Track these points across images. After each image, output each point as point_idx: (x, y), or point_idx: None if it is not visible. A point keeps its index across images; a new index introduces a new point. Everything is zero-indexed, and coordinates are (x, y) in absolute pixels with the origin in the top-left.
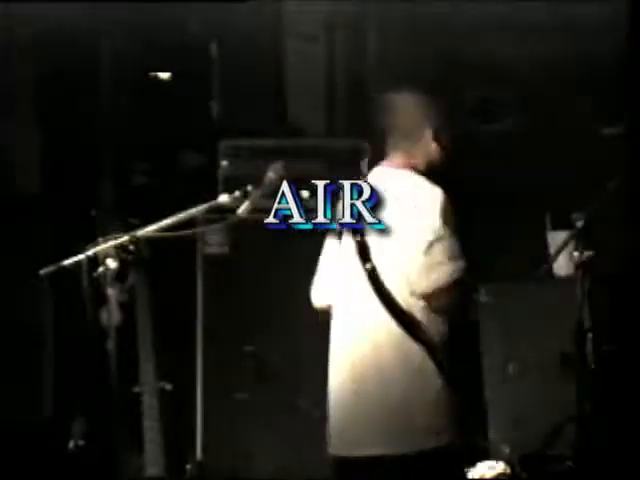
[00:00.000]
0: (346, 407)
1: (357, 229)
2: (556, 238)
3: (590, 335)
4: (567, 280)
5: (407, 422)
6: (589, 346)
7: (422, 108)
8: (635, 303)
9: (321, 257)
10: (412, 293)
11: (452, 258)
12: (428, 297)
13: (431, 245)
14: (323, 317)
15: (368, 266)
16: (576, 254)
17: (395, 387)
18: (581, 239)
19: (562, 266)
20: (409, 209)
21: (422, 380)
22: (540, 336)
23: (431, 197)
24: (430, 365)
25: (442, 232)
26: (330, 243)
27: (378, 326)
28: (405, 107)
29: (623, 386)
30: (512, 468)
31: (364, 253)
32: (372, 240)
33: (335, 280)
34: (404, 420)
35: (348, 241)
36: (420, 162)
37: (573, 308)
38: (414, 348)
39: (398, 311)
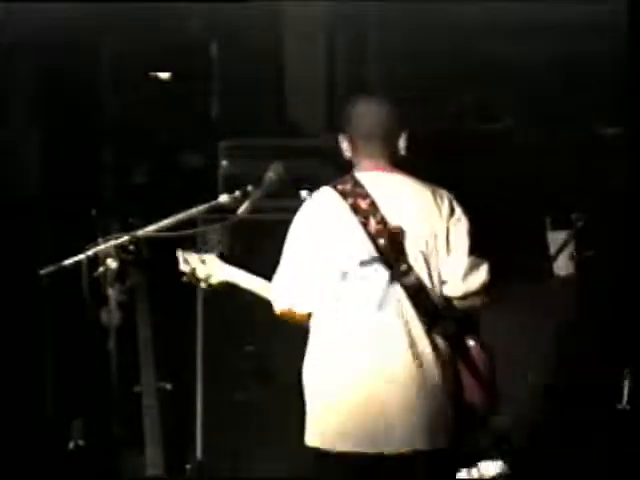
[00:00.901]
0: (346, 405)
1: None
2: (556, 238)
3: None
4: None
5: (405, 422)
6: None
7: (399, 111)
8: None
9: (290, 256)
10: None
11: (479, 257)
12: (465, 298)
13: (456, 248)
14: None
15: (403, 268)
16: (574, 253)
17: (399, 390)
18: (581, 239)
19: (562, 266)
20: (421, 213)
21: (425, 384)
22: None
23: (441, 199)
24: (435, 370)
25: (463, 230)
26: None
27: (389, 332)
28: (385, 111)
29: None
30: (512, 468)
31: (397, 257)
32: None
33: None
34: (403, 420)
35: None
36: (396, 165)
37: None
38: (424, 352)
39: (429, 315)
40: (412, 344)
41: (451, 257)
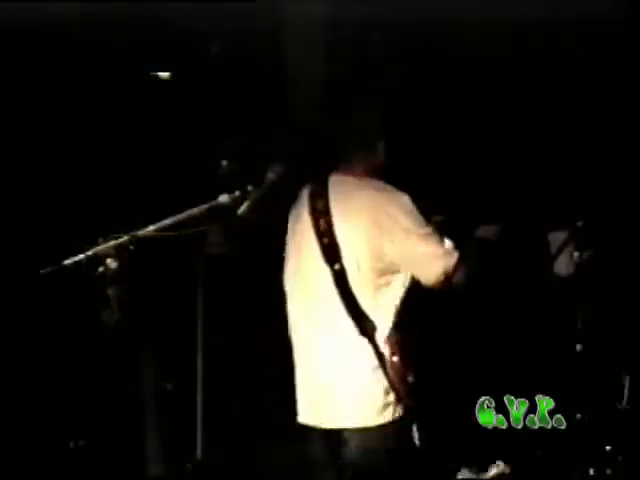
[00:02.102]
0: (315, 385)
1: (324, 233)
2: (556, 238)
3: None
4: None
5: (360, 401)
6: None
7: (380, 116)
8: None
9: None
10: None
11: (443, 250)
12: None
13: (416, 246)
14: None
15: (336, 267)
16: (576, 254)
17: (348, 372)
18: (581, 239)
19: (562, 266)
20: (379, 217)
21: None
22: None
23: (399, 202)
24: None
25: (421, 230)
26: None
27: (336, 320)
28: (365, 115)
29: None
30: (512, 468)
31: (331, 255)
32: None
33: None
34: (357, 400)
35: (311, 243)
36: (373, 170)
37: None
38: (363, 345)
39: (354, 307)
40: (342, 338)
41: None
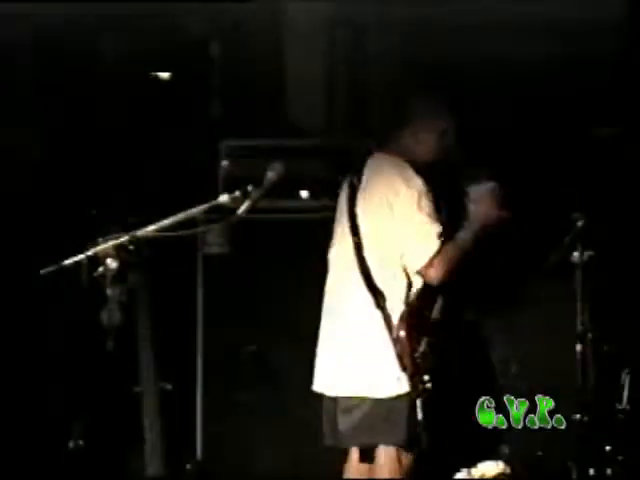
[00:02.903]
0: (328, 356)
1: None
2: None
3: (590, 335)
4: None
5: (369, 372)
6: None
7: (418, 99)
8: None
9: None
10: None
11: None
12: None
13: (410, 229)
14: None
15: (355, 239)
16: (576, 254)
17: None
18: (581, 239)
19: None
20: (388, 194)
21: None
22: (541, 336)
23: (409, 183)
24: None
25: (416, 217)
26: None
27: (355, 291)
28: (420, 108)
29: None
30: (512, 468)
31: (353, 227)
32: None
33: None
34: (366, 370)
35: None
36: (409, 151)
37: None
38: (377, 318)
39: (369, 280)
40: (357, 309)
41: (401, 242)
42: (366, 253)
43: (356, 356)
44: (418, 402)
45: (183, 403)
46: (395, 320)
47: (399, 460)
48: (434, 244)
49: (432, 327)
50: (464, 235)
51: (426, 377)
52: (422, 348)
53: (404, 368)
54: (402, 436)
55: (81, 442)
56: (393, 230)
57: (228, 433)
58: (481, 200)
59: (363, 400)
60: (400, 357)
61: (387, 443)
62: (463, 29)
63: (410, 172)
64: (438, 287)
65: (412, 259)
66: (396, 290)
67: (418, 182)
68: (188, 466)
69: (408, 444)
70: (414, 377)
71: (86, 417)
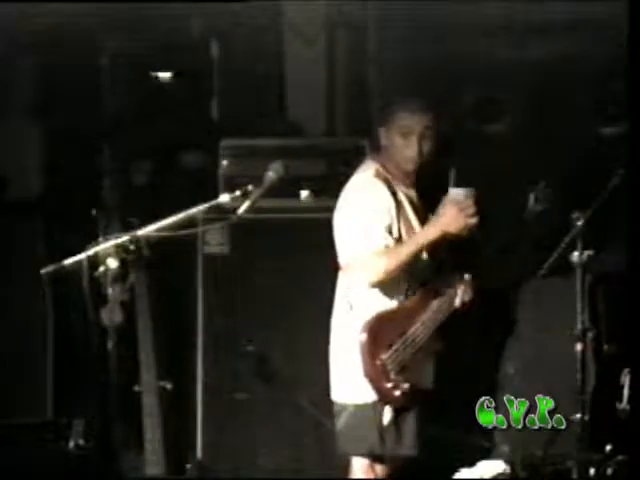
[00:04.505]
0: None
1: None
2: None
3: (590, 335)
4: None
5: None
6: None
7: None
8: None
9: None
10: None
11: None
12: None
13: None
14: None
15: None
16: (576, 254)
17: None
18: (581, 239)
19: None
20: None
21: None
22: (541, 336)
23: (359, 193)
24: None
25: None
26: None
27: (337, 297)
28: (395, 110)
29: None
30: (512, 468)
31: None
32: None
33: None
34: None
35: None
36: (398, 161)
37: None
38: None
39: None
40: (337, 315)
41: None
42: (339, 259)
43: (338, 362)
44: (385, 409)
45: (183, 403)
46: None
47: (372, 471)
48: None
49: (402, 334)
50: (415, 237)
51: (391, 384)
52: (386, 355)
53: (366, 375)
54: (367, 446)
55: (81, 442)
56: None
57: (228, 433)
58: (450, 203)
59: (344, 407)
60: (361, 361)
61: (354, 453)
62: (463, 29)
63: (365, 181)
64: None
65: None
66: (359, 297)
67: (370, 193)
68: (188, 466)
69: (375, 455)
70: (380, 384)
71: (86, 417)
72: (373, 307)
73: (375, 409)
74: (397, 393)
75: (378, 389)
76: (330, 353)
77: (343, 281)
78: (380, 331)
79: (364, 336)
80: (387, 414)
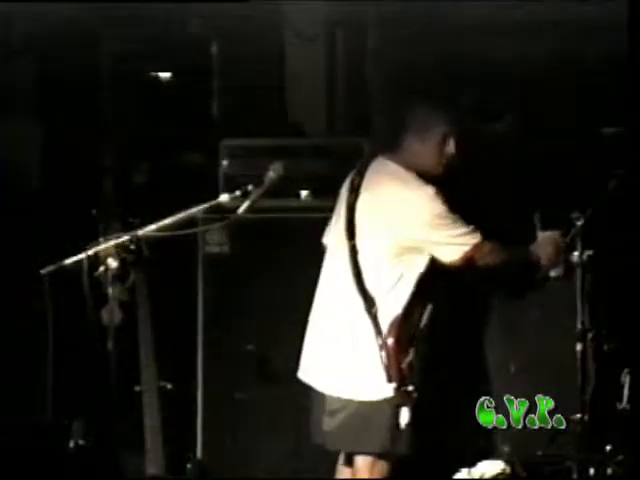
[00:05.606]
0: (319, 350)
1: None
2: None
3: (590, 335)
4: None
5: (355, 375)
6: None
7: (431, 108)
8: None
9: None
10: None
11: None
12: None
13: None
14: None
15: (352, 243)
16: (576, 254)
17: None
18: (581, 239)
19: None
20: (399, 208)
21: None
22: (541, 336)
23: (422, 195)
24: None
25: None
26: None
27: (346, 293)
28: (423, 110)
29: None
30: (512, 468)
31: (350, 231)
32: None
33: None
34: (352, 373)
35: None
36: (423, 162)
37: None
38: (366, 323)
39: (361, 285)
40: (347, 312)
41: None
42: (360, 257)
43: (343, 357)
44: (402, 410)
45: (183, 403)
46: (385, 326)
47: (375, 468)
48: (464, 242)
49: (421, 335)
50: (525, 251)
51: (410, 387)
52: (409, 358)
53: (389, 376)
54: (378, 445)
55: (81, 442)
56: (415, 240)
57: (228, 433)
58: (554, 241)
59: (348, 403)
60: (386, 364)
61: (363, 451)
62: (463, 29)
63: (414, 182)
64: (429, 294)
65: (450, 257)
66: (390, 296)
67: (424, 189)
68: (188, 466)
69: (384, 453)
70: (399, 385)
71: (86, 417)
72: (394, 307)
73: (386, 407)
74: (415, 395)
75: (401, 392)
76: (328, 348)
77: (365, 279)
78: (402, 334)
79: (391, 340)
80: (405, 415)
